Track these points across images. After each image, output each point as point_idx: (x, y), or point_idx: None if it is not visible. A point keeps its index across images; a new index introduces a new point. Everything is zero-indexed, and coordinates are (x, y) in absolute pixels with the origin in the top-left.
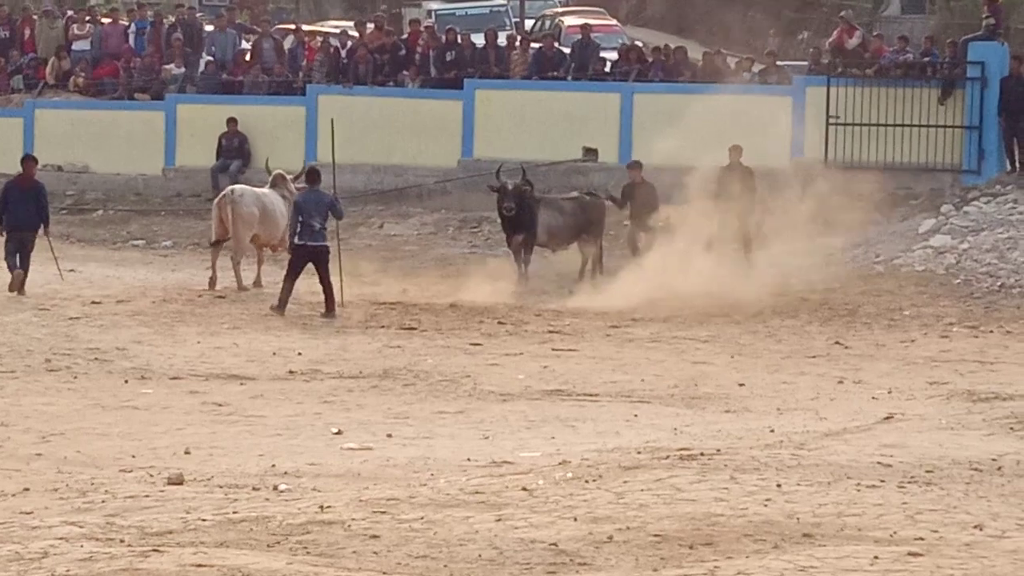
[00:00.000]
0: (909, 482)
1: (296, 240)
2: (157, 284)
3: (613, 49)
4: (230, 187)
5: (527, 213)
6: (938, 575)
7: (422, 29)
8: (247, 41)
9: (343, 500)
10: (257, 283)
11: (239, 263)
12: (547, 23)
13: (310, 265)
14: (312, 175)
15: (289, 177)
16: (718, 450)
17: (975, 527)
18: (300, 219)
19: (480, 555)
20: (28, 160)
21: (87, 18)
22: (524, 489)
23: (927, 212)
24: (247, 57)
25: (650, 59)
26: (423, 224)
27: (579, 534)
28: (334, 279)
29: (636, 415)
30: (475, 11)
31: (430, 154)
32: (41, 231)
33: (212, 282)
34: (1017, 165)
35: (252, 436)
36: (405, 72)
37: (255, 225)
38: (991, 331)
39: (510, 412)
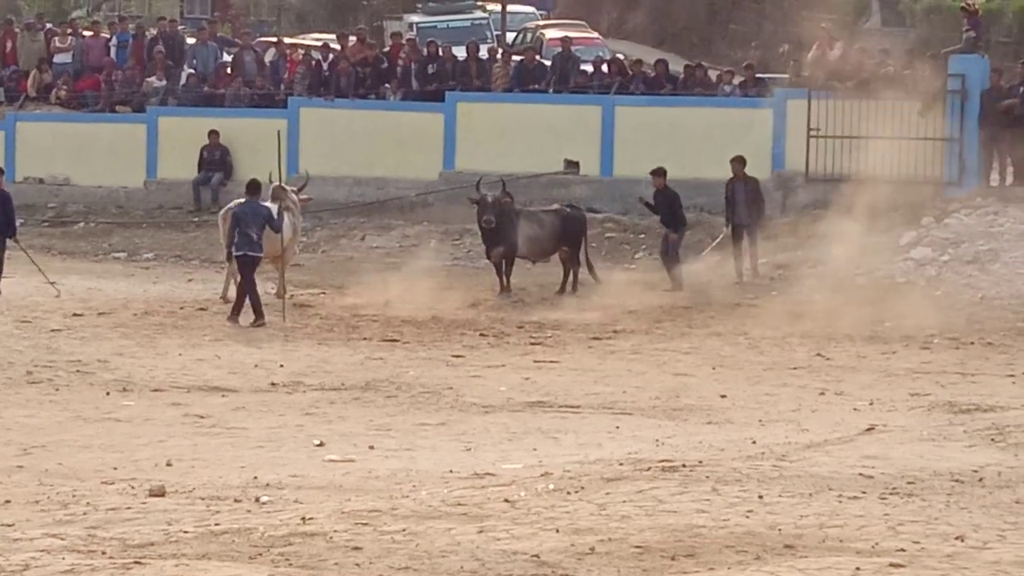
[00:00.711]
0: (891, 493)
1: (235, 251)
2: (139, 296)
3: (592, 62)
4: (234, 201)
5: (507, 226)
6: None
7: (404, 42)
8: (229, 54)
9: (325, 512)
10: (280, 293)
11: (233, 274)
12: (529, 36)
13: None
14: (252, 187)
15: (292, 189)
16: (700, 462)
17: (956, 538)
18: (238, 229)
19: (462, 567)
20: None
21: (69, 31)
22: (506, 501)
23: (908, 224)
24: (228, 70)
25: (631, 72)
26: (404, 236)
27: (561, 546)
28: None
29: (618, 427)
30: (457, 24)
31: (412, 167)
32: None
33: (225, 298)
34: (998, 177)
35: (234, 448)
36: (387, 85)
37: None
38: (972, 343)
39: (492, 424)
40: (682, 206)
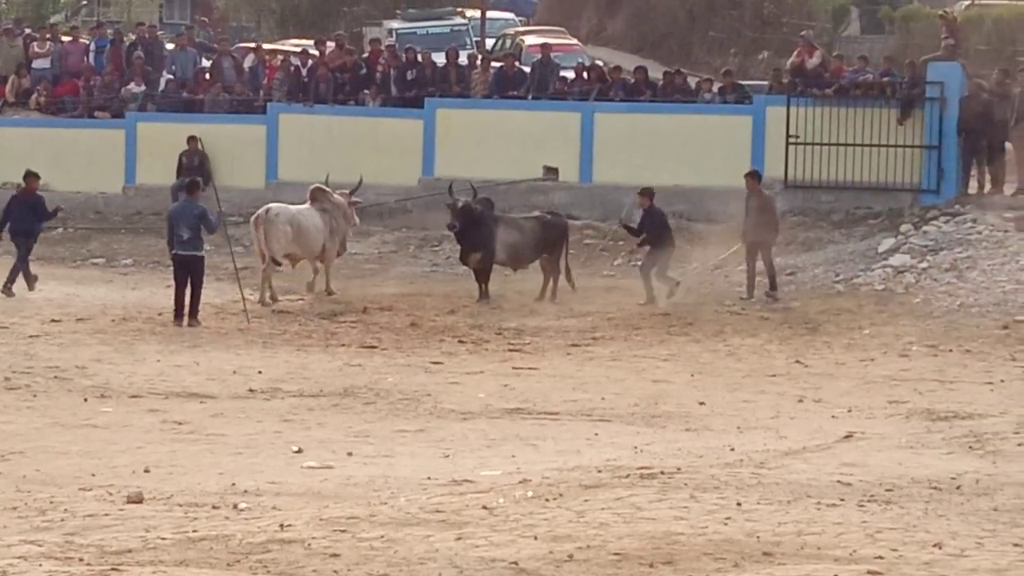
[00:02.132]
0: (869, 501)
1: (171, 250)
2: (117, 302)
3: (571, 68)
4: (265, 206)
5: (483, 232)
6: None
7: (383, 48)
8: (208, 60)
9: (303, 519)
10: (329, 291)
11: (267, 279)
12: (508, 42)
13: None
14: (191, 186)
15: (345, 192)
16: (678, 469)
17: (934, 546)
18: (174, 229)
19: (441, 574)
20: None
21: (47, 36)
22: (485, 508)
23: (887, 231)
24: (208, 76)
25: (610, 79)
26: (384, 243)
27: (540, 552)
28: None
29: (597, 434)
30: (436, 30)
31: (391, 173)
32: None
33: (262, 300)
34: (977, 185)
35: (212, 455)
36: (366, 91)
37: (289, 243)
38: (950, 350)
39: (470, 431)
40: (669, 226)
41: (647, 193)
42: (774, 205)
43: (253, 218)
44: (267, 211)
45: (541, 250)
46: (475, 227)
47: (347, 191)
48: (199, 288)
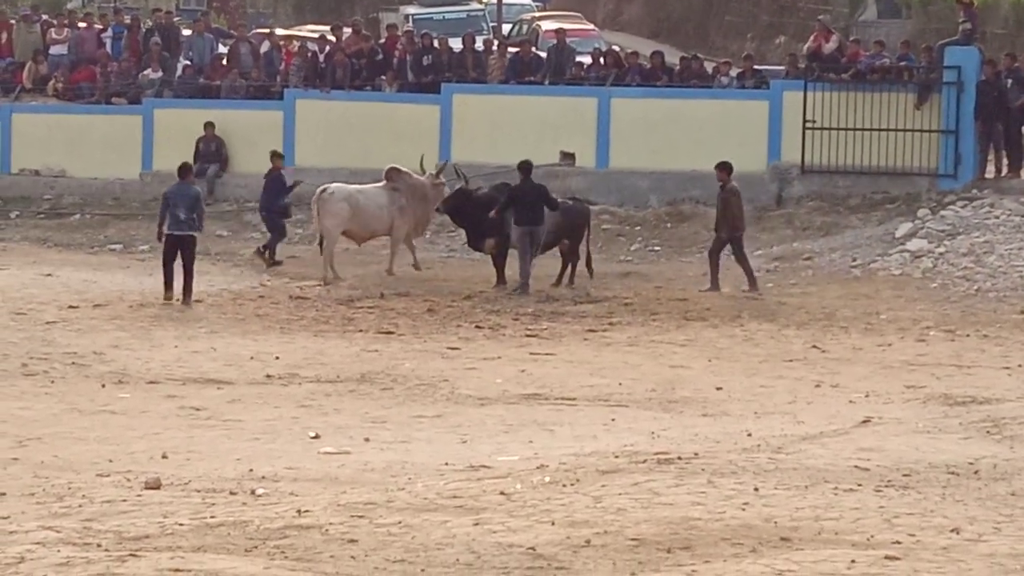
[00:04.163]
0: (886, 486)
1: (165, 229)
2: (134, 288)
3: (588, 53)
4: (323, 186)
5: (484, 217)
6: None
7: (399, 34)
8: (224, 46)
9: (321, 504)
10: (416, 266)
11: (329, 258)
12: (524, 28)
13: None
14: (180, 170)
15: (431, 173)
16: (696, 454)
17: (952, 531)
18: (167, 210)
19: (458, 559)
20: None
21: (64, 23)
22: (502, 493)
23: (904, 216)
24: (224, 62)
25: (627, 64)
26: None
27: (557, 538)
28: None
29: (614, 419)
30: (452, 16)
31: (408, 158)
32: None
33: (325, 279)
34: (994, 169)
35: (229, 440)
36: (382, 77)
37: (345, 222)
38: (967, 335)
39: (488, 416)
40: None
41: (725, 167)
42: (732, 199)
43: (314, 197)
44: (323, 190)
45: (561, 235)
46: (479, 212)
47: (433, 172)
48: (191, 266)
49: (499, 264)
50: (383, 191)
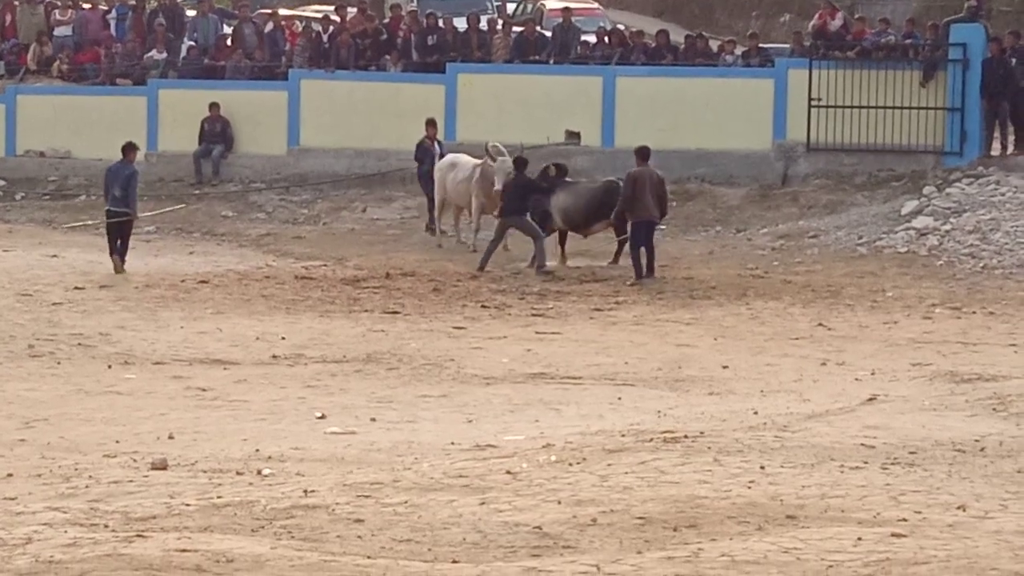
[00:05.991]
0: (892, 463)
1: (107, 206)
2: (140, 269)
3: (592, 32)
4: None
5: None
6: (921, 556)
7: (404, 13)
8: (229, 26)
9: (327, 484)
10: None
11: (441, 218)
12: (529, 7)
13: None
14: (124, 148)
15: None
16: (702, 432)
17: (958, 508)
18: (107, 189)
19: (464, 538)
20: None
21: (69, 4)
22: (508, 472)
23: (909, 194)
24: (229, 42)
25: (631, 43)
26: (406, 208)
27: (563, 517)
28: None
29: (620, 398)
30: None
31: (412, 138)
32: None
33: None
34: (1000, 147)
35: (236, 421)
36: (387, 56)
37: (442, 188)
38: (973, 312)
39: (494, 395)
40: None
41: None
42: (619, 186)
43: (437, 165)
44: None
45: (601, 216)
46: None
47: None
48: (127, 239)
49: (560, 241)
50: (472, 167)
